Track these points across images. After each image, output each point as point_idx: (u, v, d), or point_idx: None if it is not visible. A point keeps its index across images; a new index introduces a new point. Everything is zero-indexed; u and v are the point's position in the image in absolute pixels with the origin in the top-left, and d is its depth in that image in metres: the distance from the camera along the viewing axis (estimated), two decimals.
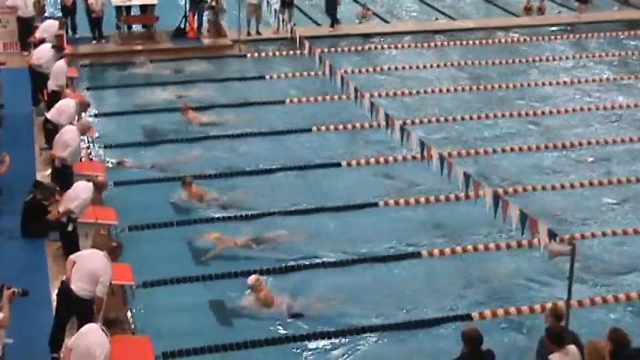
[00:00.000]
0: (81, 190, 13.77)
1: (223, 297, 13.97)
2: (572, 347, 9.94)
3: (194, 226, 16.07)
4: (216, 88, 23.07)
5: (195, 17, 26.03)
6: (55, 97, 18.04)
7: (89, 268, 11.46)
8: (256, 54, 25.39)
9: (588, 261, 15.28)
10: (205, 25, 26.37)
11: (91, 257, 11.70)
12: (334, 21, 27.22)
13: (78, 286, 11.45)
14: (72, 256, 11.86)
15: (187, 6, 25.94)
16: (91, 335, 10.15)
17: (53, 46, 20.01)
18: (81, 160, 16.88)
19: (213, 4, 26.07)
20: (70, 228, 13.71)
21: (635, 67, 25.30)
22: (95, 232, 14.45)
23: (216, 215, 16.51)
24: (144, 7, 26.05)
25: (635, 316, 13.90)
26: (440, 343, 12.94)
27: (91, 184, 13.95)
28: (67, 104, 17.06)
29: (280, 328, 13.37)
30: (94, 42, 25.22)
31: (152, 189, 17.38)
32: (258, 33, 26.42)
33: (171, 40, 25.75)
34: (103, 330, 10.21)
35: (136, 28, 26.55)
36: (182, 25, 25.96)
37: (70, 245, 13.49)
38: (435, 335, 13.28)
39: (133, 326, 12.88)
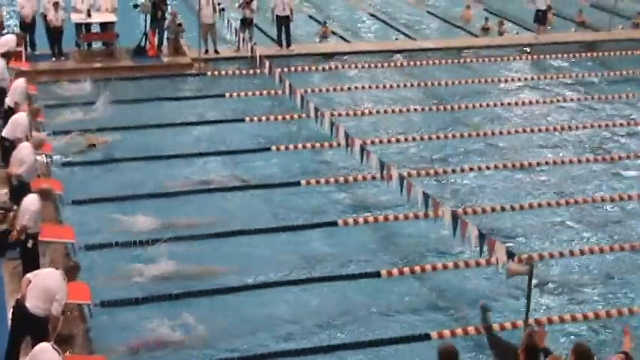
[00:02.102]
0: (28, 204, 13.64)
1: (180, 317, 13.87)
2: None
3: (153, 247, 15.95)
4: (173, 106, 23.01)
5: (156, 35, 25.95)
6: (10, 113, 17.83)
7: (44, 286, 11.36)
8: (216, 72, 25.35)
9: (546, 280, 15.40)
10: (165, 43, 26.30)
11: (47, 276, 11.59)
12: (289, 41, 27.17)
13: (33, 304, 11.33)
14: (28, 275, 11.75)
15: (148, 24, 25.85)
16: (44, 355, 10.04)
17: (2, 55, 19.86)
18: (38, 177, 16.70)
19: (171, 23, 26.01)
20: (29, 244, 13.57)
21: (593, 88, 25.57)
22: (52, 251, 14.32)
23: (172, 235, 16.39)
24: (104, 25, 25.90)
25: (593, 333, 14.00)
26: None
27: (36, 195, 13.86)
28: (20, 117, 16.89)
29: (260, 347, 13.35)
30: (54, 59, 25.04)
31: (111, 206, 17.25)
32: (216, 52, 26.38)
33: (131, 58, 25.64)
34: (55, 349, 10.12)
35: (96, 45, 26.39)
36: (142, 43, 25.86)
37: (30, 263, 13.33)
38: (395, 355, 13.27)
39: (89, 345, 12.75)
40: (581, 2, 33.76)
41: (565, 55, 27.89)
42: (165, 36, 26.30)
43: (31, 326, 11.36)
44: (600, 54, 28.12)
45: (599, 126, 22.61)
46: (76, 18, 25.38)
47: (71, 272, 11.88)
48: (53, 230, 14.61)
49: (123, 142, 20.43)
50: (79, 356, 12.04)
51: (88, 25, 25.83)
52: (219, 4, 26.48)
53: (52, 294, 11.31)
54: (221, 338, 13.49)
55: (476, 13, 32.71)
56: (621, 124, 22.77)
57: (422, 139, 21.27)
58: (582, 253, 16.33)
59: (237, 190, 18.40)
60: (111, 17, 25.57)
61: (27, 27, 25.02)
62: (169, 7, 27.01)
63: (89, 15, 25.23)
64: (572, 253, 16.28)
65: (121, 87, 23.80)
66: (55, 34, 24.96)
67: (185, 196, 17.96)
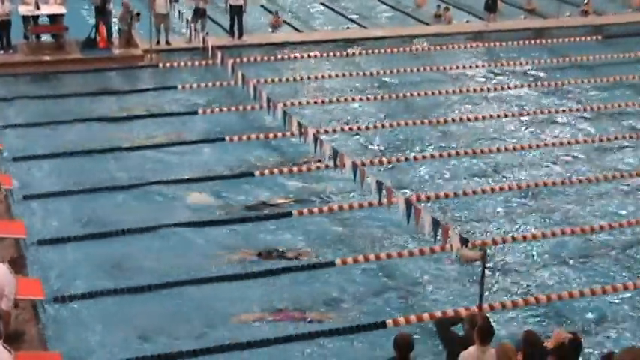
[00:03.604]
0: None
1: (136, 311, 13.81)
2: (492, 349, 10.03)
3: (108, 239, 15.85)
4: (126, 98, 22.86)
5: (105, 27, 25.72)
6: None
7: None
8: (168, 64, 25.20)
9: (499, 265, 15.55)
10: (116, 35, 26.09)
11: None
12: (241, 31, 27.09)
13: None
14: None
15: (96, 16, 25.61)
16: None
17: None
18: None
19: (123, 14, 25.82)
20: None
21: (542, 74, 25.81)
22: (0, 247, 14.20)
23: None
24: (52, 17, 25.63)
25: (545, 318, 14.14)
26: (358, 349, 13.06)
27: None
28: None
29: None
30: (2, 52, 24.74)
31: (64, 202, 17.10)
32: (167, 43, 26.25)
33: (81, 51, 25.39)
34: (4, 347, 9.99)
35: (45, 38, 26.12)
36: (92, 36, 25.62)
37: None
38: (352, 341, 13.32)
39: (43, 342, 12.64)
40: None
41: (515, 43, 28.09)
42: (116, 28, 26.11)
43: None
44: (549, 41, 28.36)
45: (549, 111, 22.83)
46: (24, 10, 25.09)
47: (17, 265, 11.70)
48: (3, 225, 14.45)
49: (70, 135, 20.27)
50: (32, 353, 11.87)
51: (36, 18, 25.54)
52: None
53: (1, 289, 11.17)
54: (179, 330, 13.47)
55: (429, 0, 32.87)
56: (570, 110, 23.02)
57: (375, 127, 21.33)
58: (534, 237, 16.48)
59: (191, 182, 18.31)
60: (60, 9, 25.33)
61: None
62: None
63: (38, 7, 24.96)
64: (524, 238, 16.43)
65: (70, 80, 23.58)
66: (2, 27, 24.65)
67: (136, 189, 17.87)
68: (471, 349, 9.93)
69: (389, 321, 13.62)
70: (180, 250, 15.64)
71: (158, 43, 25.99)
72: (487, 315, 11.32)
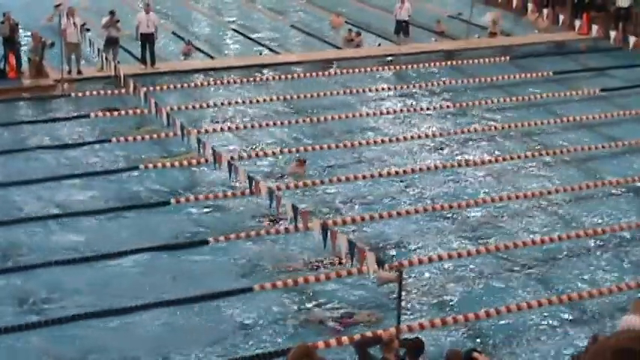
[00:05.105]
0: None
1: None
2: None
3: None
4: (35, 129, 22.55)
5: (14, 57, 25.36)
6: None
7: None
8: (80, 93, 24.92)
9: (416, 286, 15.69)
10: (26, 65, 25.73)
11: None
12: (153, 59, 26.94)
13: None
14: None
15: (4, 46, 25.24)
16: None
17: None
18: None
19: (34, 44, 25.49)
20: None
21: (453, 95, 26.19)
22: None
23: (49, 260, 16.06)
24: None
25: (464, 337, 14.30)
26: None
27: None
28: None
29: None
30: None
31: None
32: (79, 72, 25.97)
33: None
34: None
35: None
36: (1, 66, 25.22)
37: None
38: None
39: None
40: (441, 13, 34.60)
41: (426, 64, 28.46)
42: (26, 57, 25.75)
43: None
44: (459, 62, 28.84)
45: (462, 132, 23.18)
46: None
47: None
48: None
49: None
50: None
51: None
52: (83, 24, 26.08)
53: None
54: None
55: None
56: (482, 130, 23.40)
57: (290, 152, 21.38)
58: (450, 257, 16.67)
59: (105, 212, 18.12)
60: None
61: None
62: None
63: None
64: (440, 258, 16.61)
65: None
66: None
67: (47, 220, 17.64)
68: None
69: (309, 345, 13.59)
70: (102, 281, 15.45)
71: (70, 72, 25.71)
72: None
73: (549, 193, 19.64)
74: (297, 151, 21.40)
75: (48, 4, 31.21)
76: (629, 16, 31.46)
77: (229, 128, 22.83)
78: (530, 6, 33.98)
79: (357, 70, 27.61)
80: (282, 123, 23.30)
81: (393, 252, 16.87)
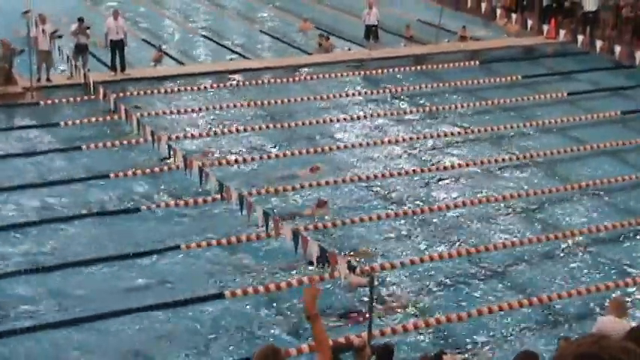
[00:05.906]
0: None
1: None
2: None
3: None
4: (4, 137, 22.43)
5: None
6: None
7: None
8: (49, 101, 24.76)
9: (389, 290, 15.72)
10: None
11: None
12: (123, 65, 26.82)
13: None
14: None
15: None
16: None
17: None
18: None
19: (4, 52, 25.32)
20: None
21: (423, 99, 26.27)
22: None
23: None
24: None
25: (435, 341, 14.35)
26: None
27: None
28: None
29: None
30: None
31: None
32: (48, 80, 25.79)
33: None
34: None
35: None
36: None
37: None
38: None
39: None
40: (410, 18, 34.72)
41: (397, 69, 28.53)
42: None
43: None
44: (429, 66, 28.94)
45: (431, 136, 23.24)
46: None
47: None
48: None
49: None
50: None
51: None
52: (54, 31, 25.92)
53: None
54: None
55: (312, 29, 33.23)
56: (452, 134, 23.48)
57: (261, 158, 21.35)
58: (422, 261, 16.71)
59: (75, 219, 18.04)
60: None
61: None
62: None
63: None
64: (412, 262, 16.65)
65: None
66: None
67: (20, 228, 17.55)
68: None
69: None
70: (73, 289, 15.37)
71: (39, 80, 25.54)
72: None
73: (519, 196, 19.75)
74: (269, 157, 21.35)
75: (17, 12, 30.93)
76: (596, 21, 31.75)
77: (200, 134, 22.76)
78: (499, 11, 34.22)
79: (327, 75, 27.63)
80: (252, 128, 23.22)
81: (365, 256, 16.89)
